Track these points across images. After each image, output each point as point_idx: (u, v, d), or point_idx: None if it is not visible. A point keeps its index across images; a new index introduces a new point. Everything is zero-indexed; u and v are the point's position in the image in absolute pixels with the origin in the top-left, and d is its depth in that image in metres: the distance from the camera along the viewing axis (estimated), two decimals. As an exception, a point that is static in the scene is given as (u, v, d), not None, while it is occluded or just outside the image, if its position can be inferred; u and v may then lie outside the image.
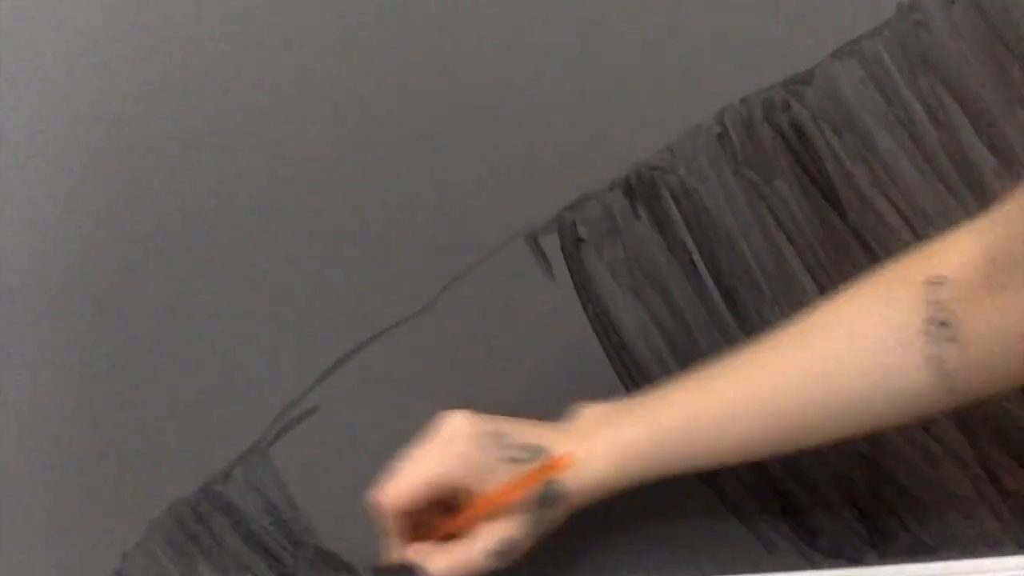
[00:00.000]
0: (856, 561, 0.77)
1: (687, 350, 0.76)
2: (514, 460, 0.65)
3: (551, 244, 0.76)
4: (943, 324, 0.62)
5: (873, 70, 0.74)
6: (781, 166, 0.75)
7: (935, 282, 0.62)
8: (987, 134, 0.74)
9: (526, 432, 0.67)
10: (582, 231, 0.76)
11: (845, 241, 0.75)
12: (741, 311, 0.76)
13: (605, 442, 0.67)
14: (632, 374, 0.76)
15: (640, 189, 0.76)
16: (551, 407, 0.70)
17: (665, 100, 0.75)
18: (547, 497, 0.65)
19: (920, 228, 0.75)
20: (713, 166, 0.75)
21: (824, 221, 0.76)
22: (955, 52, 0.74)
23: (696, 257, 0.76)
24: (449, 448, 0.65)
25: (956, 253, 0.63)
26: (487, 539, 0.65)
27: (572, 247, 0.76)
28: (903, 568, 0.76)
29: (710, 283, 0.76)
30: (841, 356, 0.64)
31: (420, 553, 0.66)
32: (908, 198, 0.75)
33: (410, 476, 0.65)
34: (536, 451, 0.66)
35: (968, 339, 0.61)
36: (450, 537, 0.66)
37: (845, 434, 0.66)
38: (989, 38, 0.74)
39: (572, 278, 0.76)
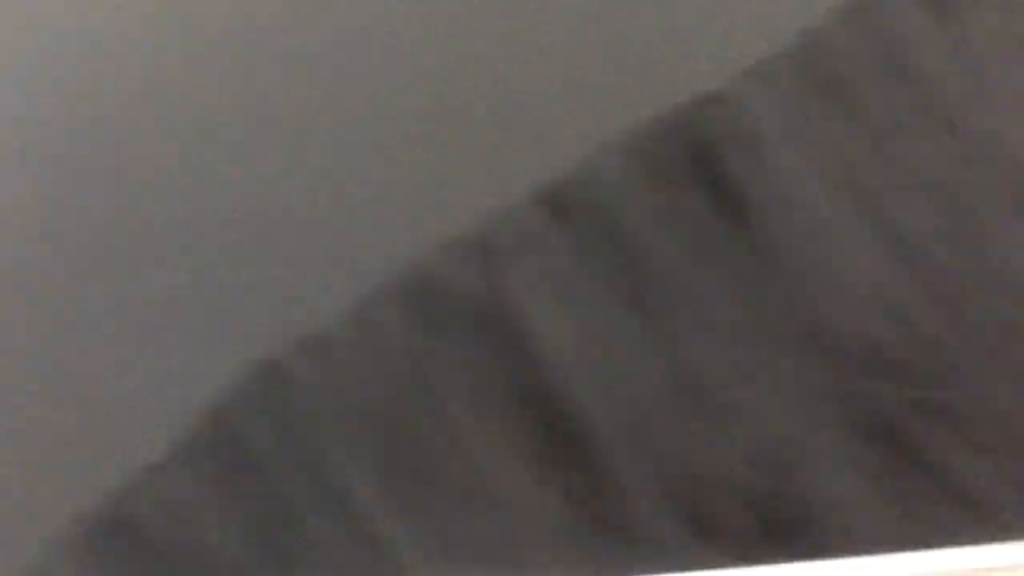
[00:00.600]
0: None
1: (611, 367, 0.76)
2: None
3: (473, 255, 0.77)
4: None
5: (782, 90, 0.79)
6: (694, 184, 0.78)
7: None
8: (885, 151, 0.79)
9: None
10: (504, 245, 0.77)
11: (757, 256, 0.78)
12: (660, 326, 0.77)
13: None
14: (551, 392, 0.76)
15: (562, 205, 0.78)
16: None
17: (580, 116, 0.78)
18: None
19: (824, 245, 0.78)
20: (628, 183, 0.78)
21: (736, 237, 0.78)
22: (857, 74, 0.79)
23: (618, 274, 0.77)
24: None
25: None
26: None
27: (492, 261, 0.77)
28: (904, 568, 0.74)
29: (632, 300, 0.77)
30: None
31: None
32: (814, 215, 0.78)
33: None
34: None
35: None
36: None
37: None
38: (887, 60, 0.79)
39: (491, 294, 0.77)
